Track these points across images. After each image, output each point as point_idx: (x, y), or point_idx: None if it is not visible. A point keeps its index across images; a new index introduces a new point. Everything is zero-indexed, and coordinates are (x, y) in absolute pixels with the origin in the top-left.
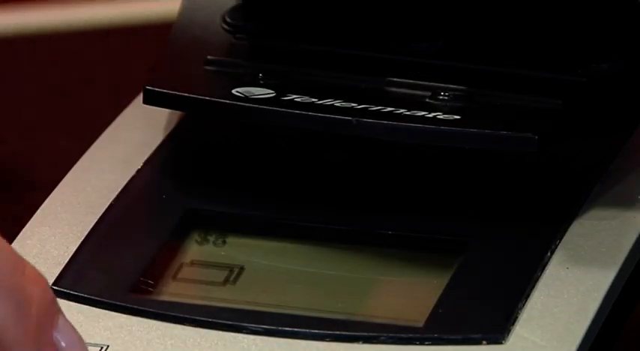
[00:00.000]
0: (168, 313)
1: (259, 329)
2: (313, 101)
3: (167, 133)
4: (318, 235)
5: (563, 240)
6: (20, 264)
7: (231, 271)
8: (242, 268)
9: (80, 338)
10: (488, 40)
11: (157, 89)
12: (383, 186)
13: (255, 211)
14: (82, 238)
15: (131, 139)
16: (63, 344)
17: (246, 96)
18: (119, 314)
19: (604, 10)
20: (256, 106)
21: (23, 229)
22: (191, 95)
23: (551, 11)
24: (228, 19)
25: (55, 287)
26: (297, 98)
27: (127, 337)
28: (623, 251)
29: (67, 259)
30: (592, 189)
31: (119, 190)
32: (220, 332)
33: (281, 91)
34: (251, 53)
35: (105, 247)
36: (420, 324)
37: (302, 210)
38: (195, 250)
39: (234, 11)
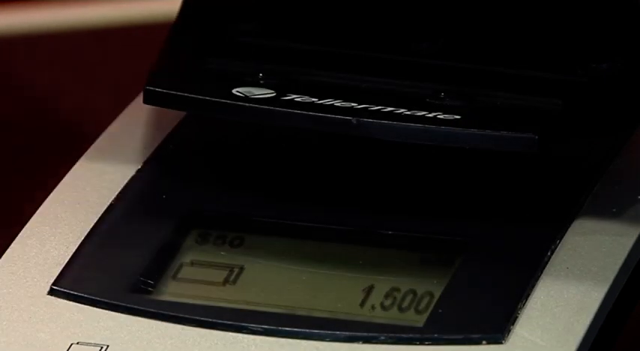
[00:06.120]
0: (168, 313)
1: (259, 329)
2: (313, 101)
3: (167, 133)
4: (318, 235)
5: (563, 240)
6: None
7: (231, 271)
8: (242, 268)
9: None
10: (489, 40)
11: (157, 89)
12: (383, 186)
13: (255, 211)
14: (82, 238)
15: (131, 139)
16: None
17: (246, 96)
18: (119, 314)
19: (604, 10)
20: (256, 106)
21: (23, 229)
22: (191, 95)
23: (551, 11)
24: (228, 19)
25: (55, 287)
26: (297, 98)
27: (127, 337)
28: (623, 251)
29: (67, 259)
30: (592, 189)
31: (119, 190)
32: (220, 332)
33: (281, 91)
34: (251, 53)
35: (105, 247)
36: (420, 324)
37: (302, 210)
38: (195, 250)
39: (234, 11)
